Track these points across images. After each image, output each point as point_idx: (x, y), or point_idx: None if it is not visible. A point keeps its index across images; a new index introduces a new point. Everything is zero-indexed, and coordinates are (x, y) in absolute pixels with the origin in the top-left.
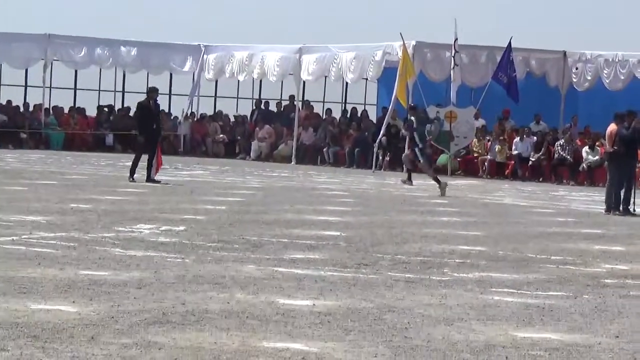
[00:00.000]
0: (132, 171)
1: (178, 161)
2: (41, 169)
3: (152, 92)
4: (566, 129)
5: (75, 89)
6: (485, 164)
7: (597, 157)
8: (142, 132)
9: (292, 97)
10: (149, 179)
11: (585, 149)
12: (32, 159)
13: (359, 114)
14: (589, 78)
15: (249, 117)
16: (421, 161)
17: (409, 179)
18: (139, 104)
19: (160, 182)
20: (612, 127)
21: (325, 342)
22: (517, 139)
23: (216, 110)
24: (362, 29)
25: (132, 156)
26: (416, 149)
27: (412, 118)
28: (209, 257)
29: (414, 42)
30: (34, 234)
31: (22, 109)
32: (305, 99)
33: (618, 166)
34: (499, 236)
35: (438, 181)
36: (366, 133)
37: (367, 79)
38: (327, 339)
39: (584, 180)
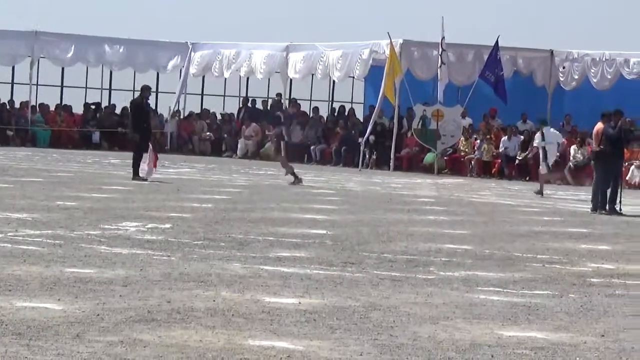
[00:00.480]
0: (136, 170)
1: (164, 159)
2: (27, 166)
3: (146, 90)
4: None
5: (62, 86)
6: (472, 162)
7: (583, 156)
8: (136, 130)
9: (279, 95)
10: (136, 176)
11: (574, 147)
12: (19, 156)
13: (346, 112)
14: (576, 77)
15: (235, 115)
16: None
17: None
18: (133, 103)
19: (147, 180)
20: (599, 126)
21: (311, 341)
22: (505, 137)
23: (203, 108)
24: (350, 27)
25: (118, 153)
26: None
27: (279, 113)
28: (195, 255)
29: (401, 41)
30: (20, 232)
31: (8, 106)
32: (292, 97)
33: (604, 165)
34: (485, 235)
35: (294, 174)
36: (353, 131)
37: (353, 77)
38: (313, 337)
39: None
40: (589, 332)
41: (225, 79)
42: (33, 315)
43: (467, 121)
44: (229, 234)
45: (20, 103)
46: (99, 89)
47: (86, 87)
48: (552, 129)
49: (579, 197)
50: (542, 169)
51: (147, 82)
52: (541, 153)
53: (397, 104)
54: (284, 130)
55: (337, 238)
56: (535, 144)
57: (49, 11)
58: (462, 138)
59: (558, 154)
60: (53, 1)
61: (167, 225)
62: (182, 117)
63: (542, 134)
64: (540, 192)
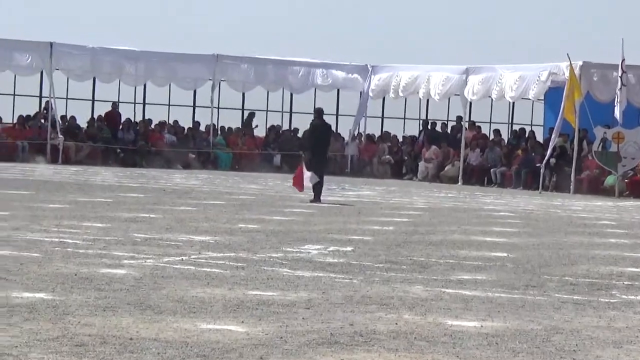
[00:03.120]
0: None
1: (345, 181)
2: (209, 189)
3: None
4: None
5: (242, 109)
6: None
7: None
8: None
9: (459, 118)
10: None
11: None
12: (200, 179)
13: (526, 135)
14: None
15: (416, 138)
16: None
17: None
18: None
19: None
20: None
21: None
22: None
23: (383, 131)
24: (529, 50)
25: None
26: None
27: None
28: (377, 277)
29: (580, 63)
30: (203, 254)
31: (191, 129)
32: (471, 119)
33: None
34: None
35: None
36: (533, 154)
37: (529, 98)
38: None
39: None
40: None
41: (406, 101)
42: (217, 337)
43: None
44: (410, 257)
45: (206, 126)
46: (280, 111)
47: (267, 110)
48: None
49: None
50: None
51: (328, 104)
52: None
53: (577, 127)
54: None
55: (518, 261)
56: None
57: (230, 35)
58: None
59: None
60: (233, 25)
61: (349, 248)
62: (362, 139)
63: None
64: None
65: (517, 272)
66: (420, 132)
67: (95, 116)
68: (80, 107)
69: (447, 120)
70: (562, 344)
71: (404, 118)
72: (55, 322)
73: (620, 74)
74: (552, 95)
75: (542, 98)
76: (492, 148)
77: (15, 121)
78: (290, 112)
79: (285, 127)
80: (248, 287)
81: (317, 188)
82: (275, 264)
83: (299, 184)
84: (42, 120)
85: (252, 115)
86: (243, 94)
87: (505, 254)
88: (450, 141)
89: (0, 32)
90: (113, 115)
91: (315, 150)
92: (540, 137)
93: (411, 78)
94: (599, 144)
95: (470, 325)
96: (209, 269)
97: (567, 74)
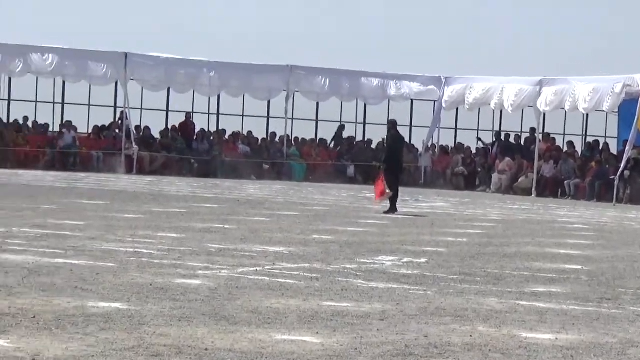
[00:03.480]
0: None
1: (418, 193)
2: (283, 199)
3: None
4: None
5: (317, 120)
6: None
7: None
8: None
9: (532, 130)
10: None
11: None
12: (274, 190)
13: (600, 147)
14: None
15: (490, 147)
16: None
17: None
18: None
19: (397, 211)
20: None
21: None
22: None
23: (457, 142)
24: (603, 61)
25: (373, 187)
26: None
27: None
28: (451, 289)
29: None
30: (277, 265)
31: (265, 140)
32: (545, 131)
33: None
34: None
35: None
36: (607, 166)
37: (603, 110)
38: None
39: None
40: None
41: (479, 112)
42: (292, 348)
43: None
44: (484, 269)
45: (279, 137)
46: (354, 122)
47: (340, 121)
48: None
49: None
50: None
51: (402, 116)
52: None
53: None
54: None
55: (592, 273)
56: None
57: (303, 46)
58: None
59: None
60: (307, 35)
61: (423, 260)
62: (436, 151)
63: None
64: None
65: (592, 284)
66: (493, 143)
67: (169, 126)
68: (154, 118)
69: (521, 132)
70: (638, 358)
71: (478, 129)
72: (131, 332)
73: None
74: (626, 107)
75: (616, 110)
76: (566, 160)
77: (90, 131)
78: (364, 123)
79: (359, 138)
80: (322, 298)
81: (392, 199)
82: (350, 275)
83: (379, 194)
84: (117, 131)
85: (342, 127)
86: (317, 105)
87: (579, 267)
88: (524, 153)
89: (76, 42)
90: (187, 125)
91: (390, 162)
92: (614, 149)
93: (484, 89)
94: None
95: (545, 337)
96: (283, 280)
97: None
